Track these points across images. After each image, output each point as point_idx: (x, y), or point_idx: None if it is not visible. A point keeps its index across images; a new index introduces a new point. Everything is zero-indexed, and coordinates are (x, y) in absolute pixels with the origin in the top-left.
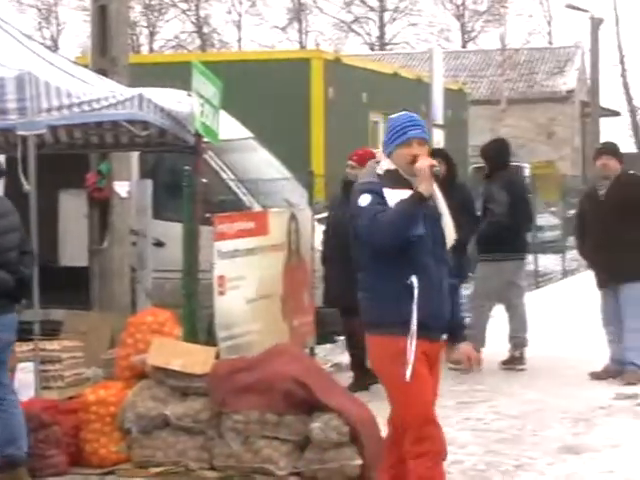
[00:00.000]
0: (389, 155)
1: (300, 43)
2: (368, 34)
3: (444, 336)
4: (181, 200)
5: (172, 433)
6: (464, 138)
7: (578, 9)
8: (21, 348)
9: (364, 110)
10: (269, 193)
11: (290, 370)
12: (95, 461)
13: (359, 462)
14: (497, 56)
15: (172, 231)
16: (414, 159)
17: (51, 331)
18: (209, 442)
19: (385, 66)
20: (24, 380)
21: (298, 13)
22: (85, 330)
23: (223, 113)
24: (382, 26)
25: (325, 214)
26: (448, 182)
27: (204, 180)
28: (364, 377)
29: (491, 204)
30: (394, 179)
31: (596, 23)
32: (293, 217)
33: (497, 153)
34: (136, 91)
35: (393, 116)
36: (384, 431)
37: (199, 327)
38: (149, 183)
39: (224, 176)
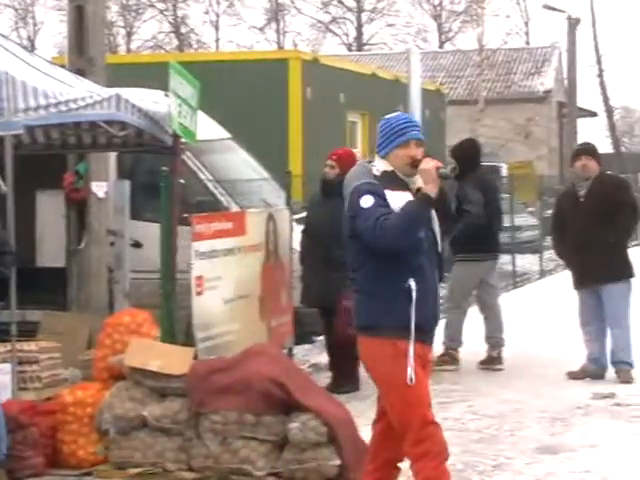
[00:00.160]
0: (385, 156)
1: (278, 43)
2: (346, 34)
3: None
4: (159, 201)
5: (150, 434)
6: (442, 138)
7: (555, 10)
8: None
9: (342, 110)
10: (247, 193)
11: (268, 370)
12: (73, 462)
13: (337, 462)
14: (475, 56)
15: (150, 231)
16: (413, 160)
17: (28, 332)
18: (187, 443)
19: (363, 66)
20: (1, 381)
21: (276, 13)
22: (62, 331)
23: (201, 113)
24: (360, 27)
25: (303, 214)
26: None
27: (182, 181)
28: (342, 377)
29: (467, 205)
30: (391, 180)
31: (573, 24)
32: (271, 217)
33: (468, 153)
34: (113, 91)
35: (388, 117)
36: (362, 432)
37: (177, 328)
38: (127, 184)
39: (202, 176)
